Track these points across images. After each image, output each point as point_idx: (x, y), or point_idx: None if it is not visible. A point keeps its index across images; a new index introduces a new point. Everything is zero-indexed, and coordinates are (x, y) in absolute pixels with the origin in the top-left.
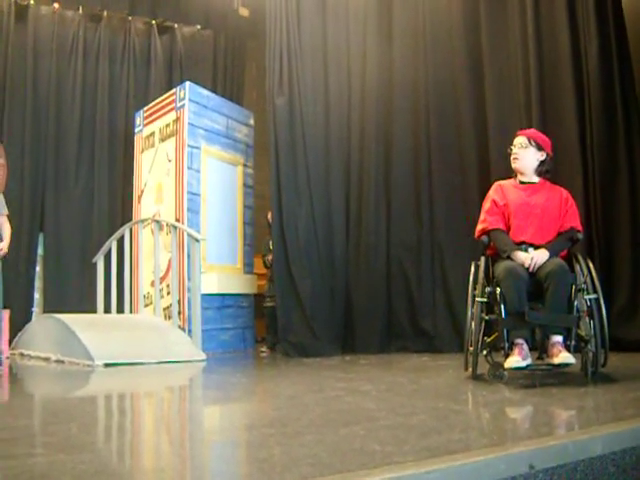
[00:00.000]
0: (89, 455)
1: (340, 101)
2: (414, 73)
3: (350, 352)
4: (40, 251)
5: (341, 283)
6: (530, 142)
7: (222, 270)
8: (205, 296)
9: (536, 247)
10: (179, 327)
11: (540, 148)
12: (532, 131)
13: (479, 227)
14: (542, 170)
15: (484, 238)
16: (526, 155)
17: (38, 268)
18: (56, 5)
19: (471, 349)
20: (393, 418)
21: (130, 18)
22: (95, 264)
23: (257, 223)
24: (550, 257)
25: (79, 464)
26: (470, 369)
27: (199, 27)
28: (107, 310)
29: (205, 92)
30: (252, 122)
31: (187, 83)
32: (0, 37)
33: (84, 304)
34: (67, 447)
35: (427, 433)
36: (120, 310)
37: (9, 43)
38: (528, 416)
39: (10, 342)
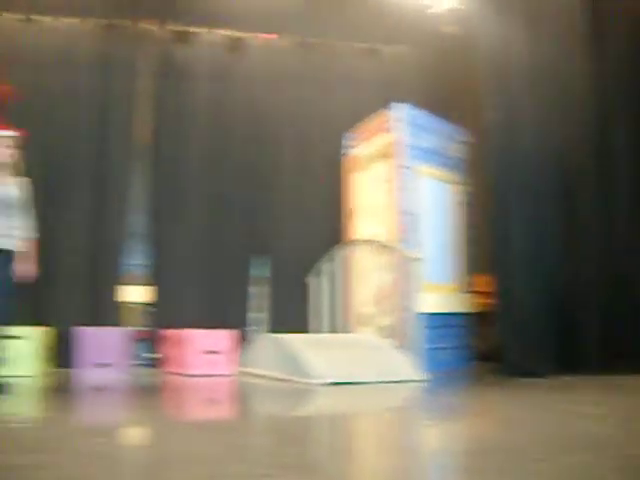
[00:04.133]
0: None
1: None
2: None
3: (570, 372)
4: (264, 273)
5: (558, 298)
6: None
7: (440, 289)
8: (423, 315)
9: None
10: (398, 346)
11: None
12: None
13: None
14: None
15: None
16: None
17: (254, 289)
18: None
19: None
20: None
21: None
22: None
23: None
24: None
25: None
26: None
27: (405, 46)
28: (324, 330)
29: (418, 112)
30: (464, 139)
31: (400, 104)
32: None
33: (301, 324)
34: (301, 469)
35: None
36: (333, 329)
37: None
38: None
39: None
